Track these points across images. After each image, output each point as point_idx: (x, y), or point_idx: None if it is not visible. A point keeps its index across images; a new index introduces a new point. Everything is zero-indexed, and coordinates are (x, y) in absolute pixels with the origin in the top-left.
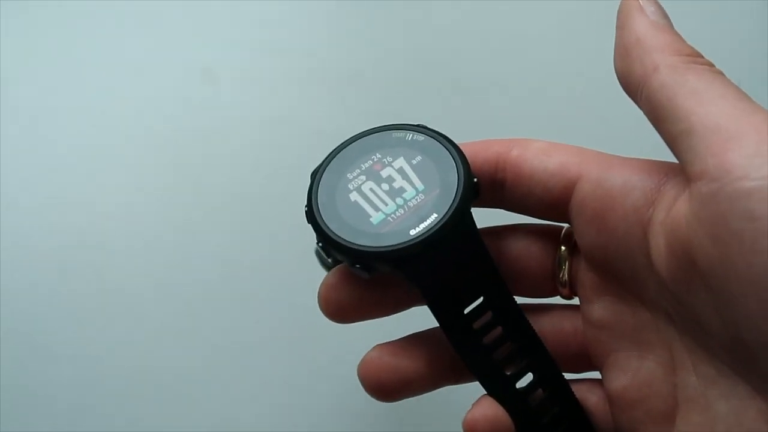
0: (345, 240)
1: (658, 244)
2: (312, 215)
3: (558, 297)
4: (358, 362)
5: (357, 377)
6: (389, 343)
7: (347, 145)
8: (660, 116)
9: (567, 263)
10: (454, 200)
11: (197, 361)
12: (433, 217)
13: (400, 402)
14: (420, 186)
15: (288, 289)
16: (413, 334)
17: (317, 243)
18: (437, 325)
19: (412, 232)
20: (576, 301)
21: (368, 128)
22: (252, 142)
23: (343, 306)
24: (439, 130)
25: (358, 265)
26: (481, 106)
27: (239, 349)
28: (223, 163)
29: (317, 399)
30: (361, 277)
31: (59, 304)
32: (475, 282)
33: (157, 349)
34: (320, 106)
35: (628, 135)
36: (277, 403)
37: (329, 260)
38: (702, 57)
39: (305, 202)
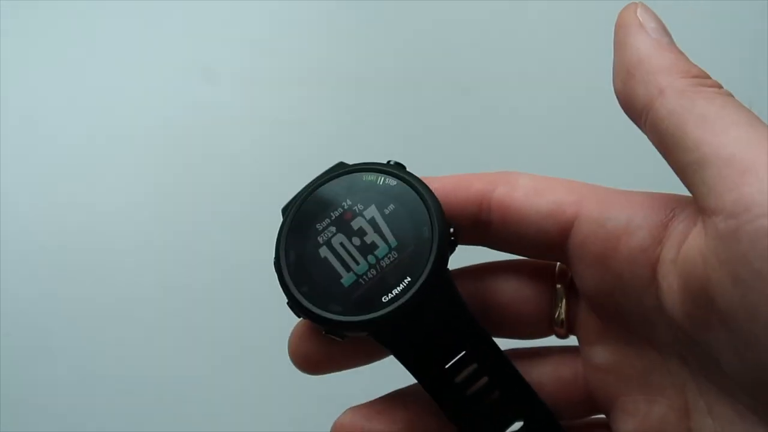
0: (315, 309)
1: (670, 284)
2: (281, 277)
3: (552, 337)
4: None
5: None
6: (364, 405)
7: (315, 189)
8: (668, 144)
9: (564, 302)
10: (428, 261)
11: (197, 360)
12: (406, 282)
13: None
14: (393, 242)
15: None
16: (393, 392)
17: (287, 303)
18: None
19: (385, 299)
20: (572, 340)
21: (334, 165)
22: (252, 141)
23: (312, 359)
24: (411, 171)
25: (329, 334)
26: (482, 106)
27: (239, 349)
28: (223, 163)
29: (317, 398)
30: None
31: (59, 304)
32: (455, 339)
33: (157, 348)
34: (320, 106)
35: (630, 134)
36: (277, 403)
37: None
38: (709, 77)
39: (273, 256)
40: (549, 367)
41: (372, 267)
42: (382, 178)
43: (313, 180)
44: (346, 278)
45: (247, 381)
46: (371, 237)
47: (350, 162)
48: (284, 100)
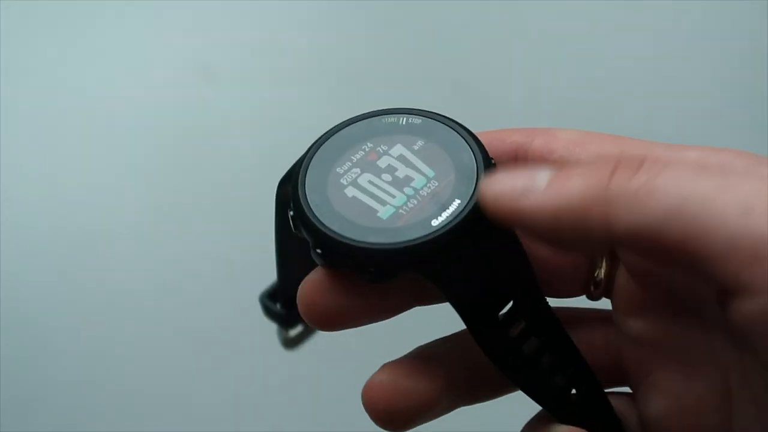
0: (354, 241)
1: None
2: (304, 218)
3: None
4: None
5: (361, 400)
6: (400, 361)
7: (326, 140)
8: None
9: (605, 262)
10: (477, 181)
11: (198, 359)
12: (456, 204)
13: None
14: (429, 172)
15: None
16: (423, 348)
17: (315, 249)
18: (438, 332)
19: (435, 223)
20: (603, 302)
21: (350, 117)
22: (252, 141)
23: (332, 313)
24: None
25: (372, 270)
26: (482, 106)
27: (239, 348)
28: (223, 162)
29: (317, 397)
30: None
31: (59, 303)
32: (509, 281)
33: (158, 348)
34: (320, 106)
35: (634, 133)
36: (278, 402)
37: (277, 306)
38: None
39: (290, 208)
40: (582, 332)
41: (411, 198)
42: (405, 118)
43: (320, 137)
44: (384, 211)
45: (247, 380)
46: (404, 171)
47: None
48: (284, 100)
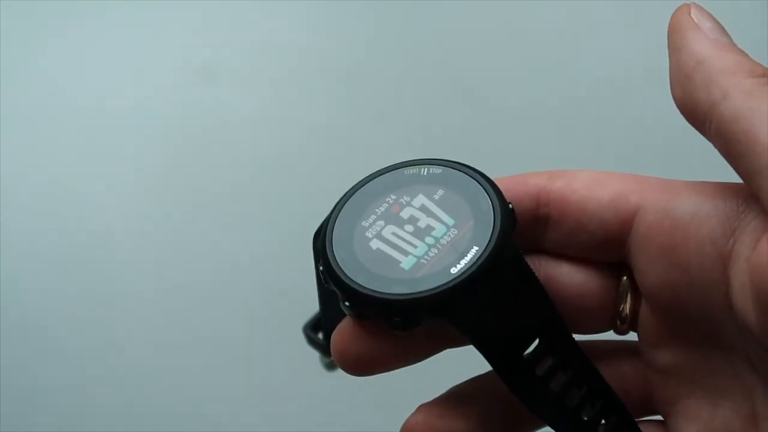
0: (378, 293)
1: (743, 283)
2: (331, 273)
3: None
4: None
5: None
6: (435, 402)
7: (353, 194)
8: (735, 150)
9: (629, 297)
10: (494, 227)
11: (197, 359)
12: (474, 251)
13: None
14: (449, 221)
15: (288, 287)
16: (456, 388)
17: (343, 302)
18: (473, 371)
19: (454, 270)
20: (632, 336)
21: (373, 171)
22: (252, 141)
23: (363, 360)
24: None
25: (397, 319)
26: (482, 106)
27: (238, 347)
28: (223, 162)
29: (317, 396)
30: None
31: (59, 303)
32: (531, 321)
33: (158, 348)
34: (320, 106)
35: (641, 131)
36: (276, 401)
37: (319, 336)
38: None
39: (320, 264)
40: (612, 365)
41: (432, 247)
42: (426, 169)
43: (347, 192)
44: (406, 262)
45: (247, 379)
46: (425, 221)
47: None
48: (284, 100)
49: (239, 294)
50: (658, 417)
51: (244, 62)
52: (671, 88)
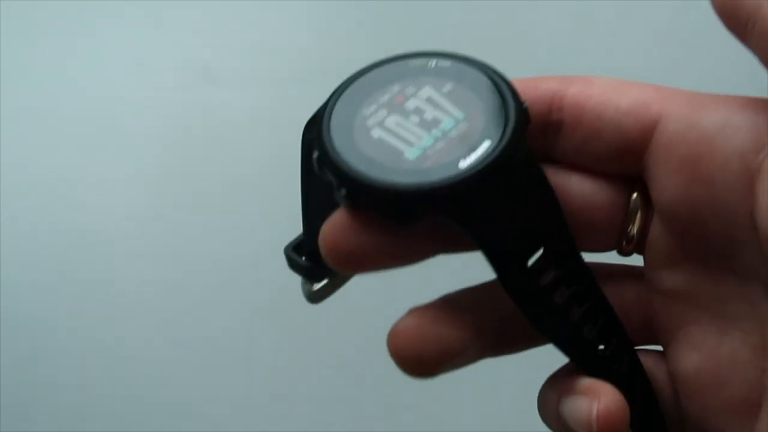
0: (381, 180)
1: None
2: (328, 158)
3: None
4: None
5: (388, 349)
6: (427, 306)
7: (351, 83)
8: None
9: (639, 214)
10: (507, 122)
11: (197, 359)
12: (486, 145)
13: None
14: (459, 114)
15: (288, 287)
16: (448, 295)
17: (339, 190)
18: (461, 282)
19: (463, 164)
20: (634, 258)
21: (375, 61)
22: (252, 140)
23: (354, 254)
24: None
25: (398, 211)
26: None
27: (238, 346)
28: (223, 162)
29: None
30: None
31: (59, 303)
32: (539, 226)
33: (158, 347)
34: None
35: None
36: (276, 401)
37: (302, 259)
38: None
39: (315, 150)
40: (613, 287)
41: (439, 140)
42: (434, 61)
43: (344, 81)
44: (411, 152)
45: (248, 378)
46: (432, 114)
47: None
48: (284, 100)
49: (239, 294)
50: (656, 347)
51: (243, 62)
52: None
